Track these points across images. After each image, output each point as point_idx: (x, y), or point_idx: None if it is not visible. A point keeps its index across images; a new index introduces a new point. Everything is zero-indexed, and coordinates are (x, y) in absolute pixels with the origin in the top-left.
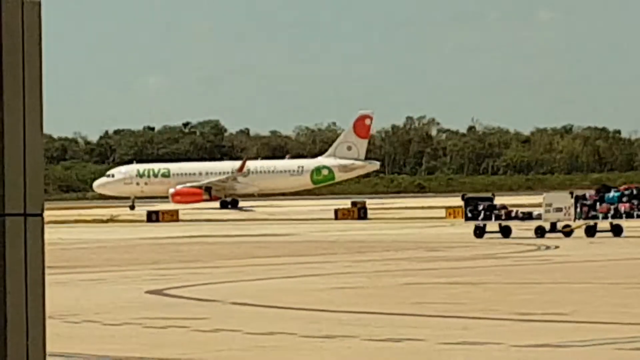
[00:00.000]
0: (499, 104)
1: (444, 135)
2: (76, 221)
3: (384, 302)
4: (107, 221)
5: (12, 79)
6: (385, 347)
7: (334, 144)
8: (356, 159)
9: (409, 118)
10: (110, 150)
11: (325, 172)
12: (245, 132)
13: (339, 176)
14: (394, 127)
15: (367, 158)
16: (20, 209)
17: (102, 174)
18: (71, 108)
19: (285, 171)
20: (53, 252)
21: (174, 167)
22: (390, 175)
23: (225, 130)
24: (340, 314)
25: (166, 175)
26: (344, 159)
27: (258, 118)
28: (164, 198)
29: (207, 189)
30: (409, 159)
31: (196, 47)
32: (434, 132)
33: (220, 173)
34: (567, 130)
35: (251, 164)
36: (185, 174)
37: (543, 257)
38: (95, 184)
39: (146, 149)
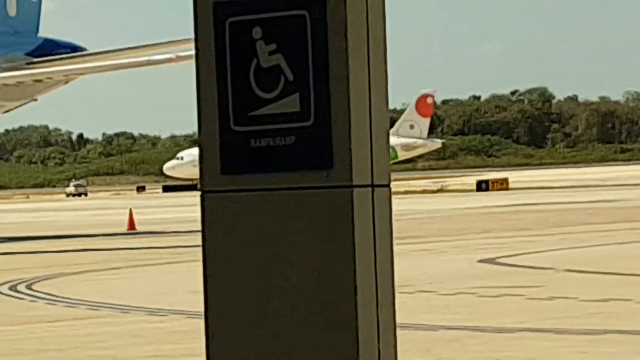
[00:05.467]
0: None
1: None
2: (406, 192)
3: None
4: (436, 191)
5: (358, 52)
6: None
7: (397, 123)
8: (418, 137)
9: None
10: (439, 120)
11: None
12: (573, 99)
13: (402, 155)
14: None
15: None
16: (367, 180)
17: None
18: (399, 78)
19: None
20: None
21: None
22: None
23: (554, 97)
24: None
25: None
26: (406, 138)
27: (587, 84)
28: None
29: None
30: None
31: (526, 14)
32: None
33: None
34: None
35: None
36: None
37: None
38: (165, 166)
39: (474, 118)
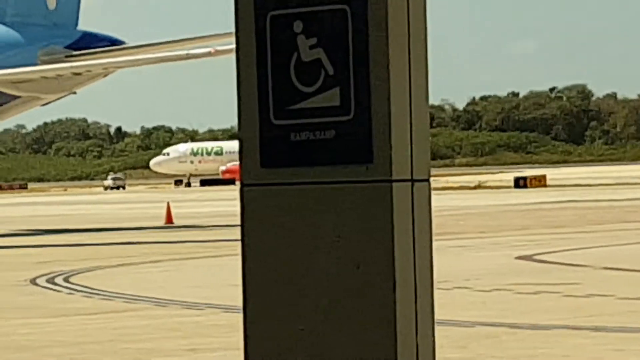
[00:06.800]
0: None
1: None
2: (444, 188)
3: None
4: (474, 188)
5: (398, 46)
6: None
7: None
8: None
9: None
10: (477, 117)
11: None
12: (612, 96)
13: None
14: None
15: None
16: (407, 174)
17: (468, 140)
18: (439, 75)
19: None
20: None
21: (227, 145)
22: None
23: (592, 95)
24: None
25: (219, 153)
26: None
27: (626, 81)
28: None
29: None
30: None
31: (566, 11)
32: None
33: None
34: None
35: None
36: (237, 151)
37: None
38: (152, 162)
39: (512, 115)
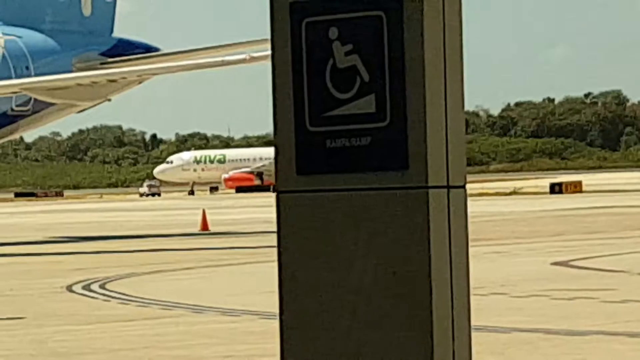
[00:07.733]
0: None
1: None
2: (479, 194)
3: None
4: (510, 194)
5: (434, 53)
6: None
7: None
8: None
9: None
10: (512, 123)
11: None
12: None
13: None
14: None
15: None
16: (443, 181)
17: (503, 147)
18: (474, 81)
19: None
20: None
21: (230, 153)
22: None
23: (627, 100)
24: None
25: (221, 161)
26: None
27: None
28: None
29: (259, 174)
30: None
31: (601, 17)
32: None
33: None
34: None
35: None
36: (240, 159)
37: None
38: (156, 170)
39: (548, 121)
